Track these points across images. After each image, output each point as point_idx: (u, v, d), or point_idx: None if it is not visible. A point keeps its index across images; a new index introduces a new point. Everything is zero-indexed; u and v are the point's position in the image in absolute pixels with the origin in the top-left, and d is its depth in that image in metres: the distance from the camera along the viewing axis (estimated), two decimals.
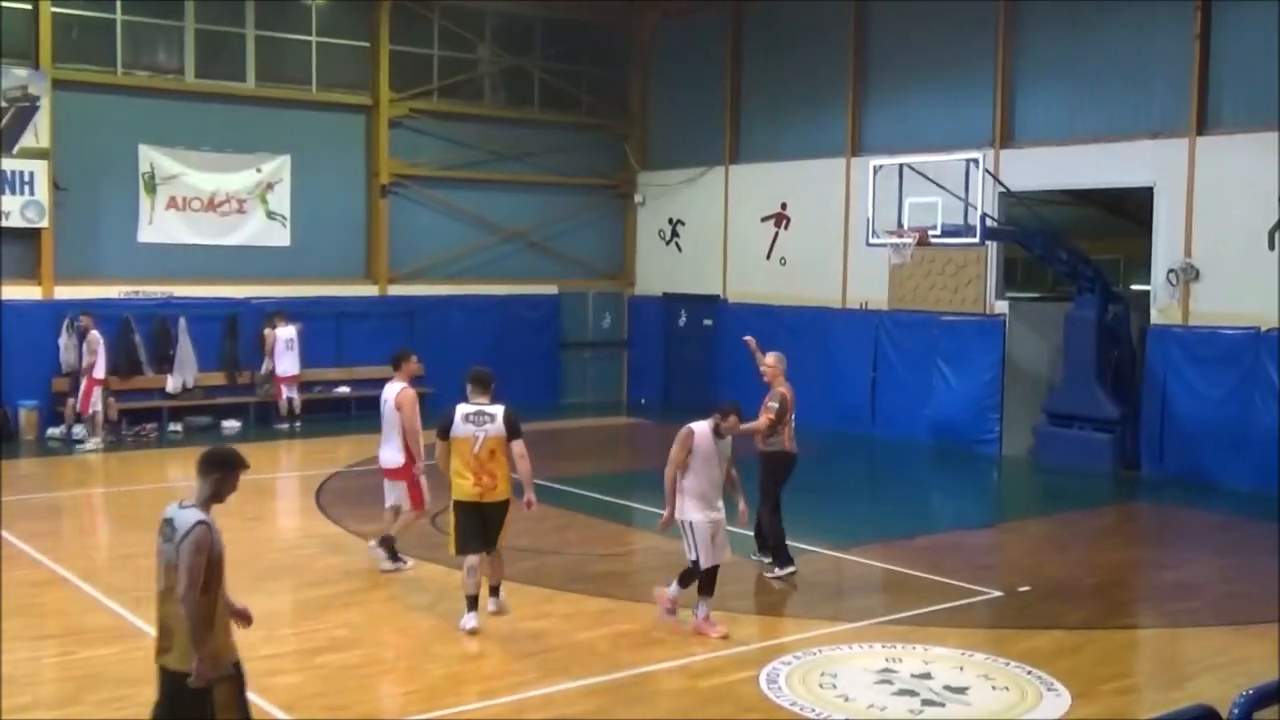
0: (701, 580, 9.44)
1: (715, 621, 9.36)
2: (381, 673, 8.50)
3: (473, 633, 9.22)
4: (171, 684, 5.93)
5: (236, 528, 12.93)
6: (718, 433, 9.49)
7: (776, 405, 11.11)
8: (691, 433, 9.54)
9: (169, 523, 6.04)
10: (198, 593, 5.78)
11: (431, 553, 11.72)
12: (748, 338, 12.44)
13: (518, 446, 9.43)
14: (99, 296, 19.16)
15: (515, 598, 10.46)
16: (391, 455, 11.00)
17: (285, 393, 19.82)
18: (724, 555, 9.56)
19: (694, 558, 9.40)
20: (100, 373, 17.57)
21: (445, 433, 9.42)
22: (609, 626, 9.56)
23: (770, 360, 11.38)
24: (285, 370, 19.81)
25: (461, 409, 9.48)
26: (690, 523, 9.45)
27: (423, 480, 11.01)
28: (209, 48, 20.46)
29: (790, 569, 11.11)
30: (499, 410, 9.46)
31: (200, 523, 5.88)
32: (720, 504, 9.56)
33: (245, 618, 6.10)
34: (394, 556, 11.05)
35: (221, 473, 5.97)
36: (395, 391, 10.92)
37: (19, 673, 8.25)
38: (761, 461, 11.33)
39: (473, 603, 9.34)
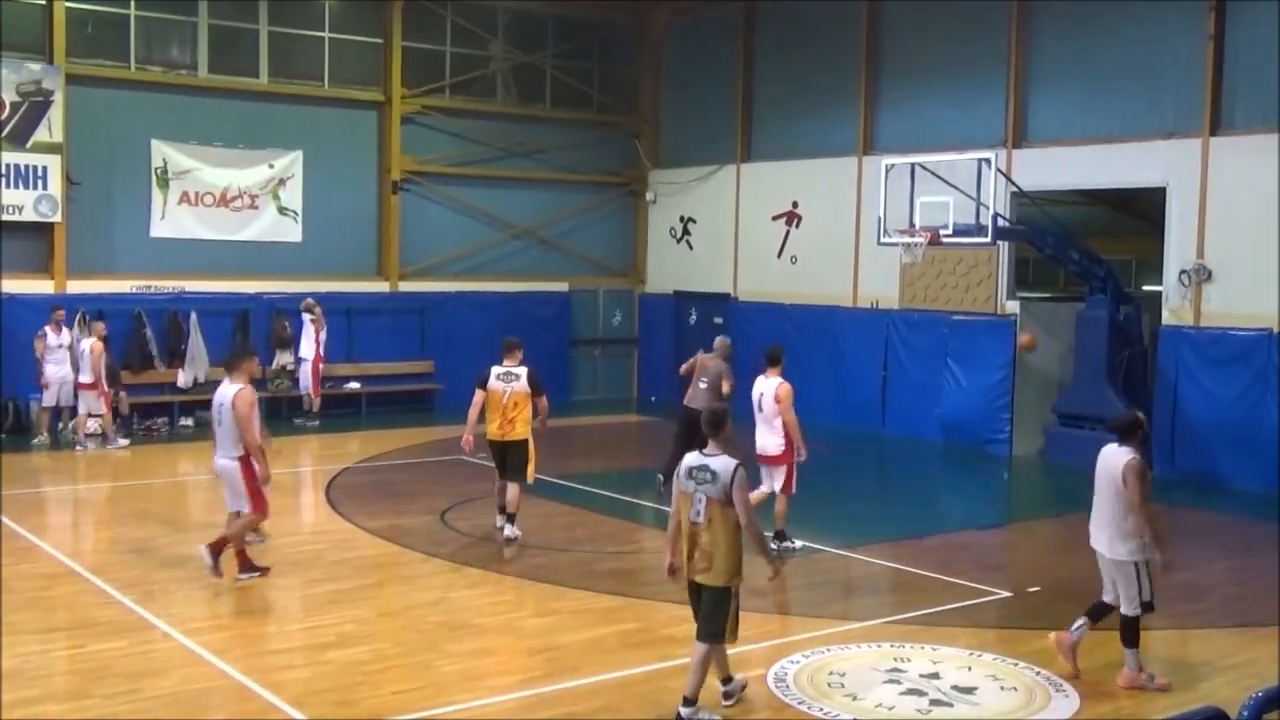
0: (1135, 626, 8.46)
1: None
2: (389, 668, 8.51)
3: (500, 530, 11.99)
4: (711, 595, 7.46)
5: None
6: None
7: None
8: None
9: (703, 469, 7.39)
10: (755, 517, 7.54)
11: (438, 549, 11.76)
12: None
13: (542, 401, 12.10)
14: (111, 291, 19.23)
15: (523, 594, 10.49)
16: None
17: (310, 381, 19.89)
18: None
19: (1148, 598, 8.37)
20: (104, 384, 17.26)
21: (482, 385, 11.99)
22: (617, 624, 9.56)
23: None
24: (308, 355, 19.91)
25: (495, 369, 12.01)
26: (1147, 562, 8.35)
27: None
28: (222, 43, 20.51)
29: None
30: (523, 371, 11.96)
31: (740, 464, 7.41)
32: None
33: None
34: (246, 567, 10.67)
35: (723, 428, 7.52)
36: (234, 392, 10.42)
37: (29, 666, 8.28)
38: None
39: (500, 511, 12.11)
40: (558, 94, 23.94)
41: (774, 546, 11.41)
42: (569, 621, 9.63)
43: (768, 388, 11.92)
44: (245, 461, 10.41)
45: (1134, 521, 8.16)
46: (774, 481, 11.87)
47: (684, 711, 7.45)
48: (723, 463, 7.38)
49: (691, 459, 7.54)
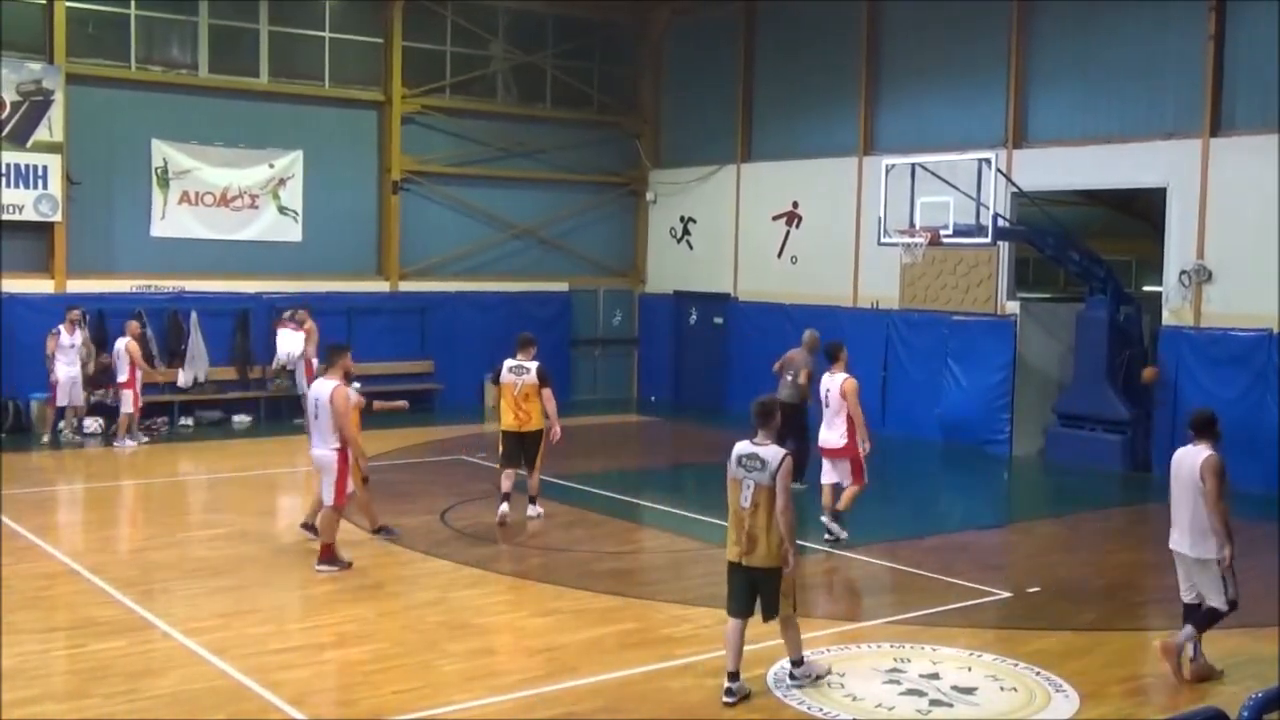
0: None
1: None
2: (389, 668, 8.51)
3: (501, 520, 12.53)
4: (753, 576, 7.83)
5: (246, 522, 13.04)
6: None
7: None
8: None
9: (752, 457, 7.81)
10: (792, 506, 7.81)
11: (439, 549, 11.76)
12: None
13: (547, 392, 12.67)
14: (111, 291, 19.24)
15: (523, 594, 10.49)
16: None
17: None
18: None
19: (1234, 596, 8.44)
20: (137, 383, 17.53)
21: (495, 379, 12.94)
22: (617, 624, 9.55)
23: None
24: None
25: (508, 363, 12.74)
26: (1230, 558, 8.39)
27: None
28: (222, 43, 20.51)
29: None
30: (533, 365, 12.67)
31: (788, 454, 7.83)
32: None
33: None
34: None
35: (772, 418, 7.95)
36: (330, 388, 10.83)
37: (28, 665, 8.28)
38: None
39: (503, 498, 12.63)
40: (558, 94, 23.94)
41: (825, 518, 12.21)
42: (569, 621, 9.62)
43: (833, 383, 12.38)
44: (342, 453, 10.83)
45: (1214, 519, 8.23)
46: (839, 474, 12.29)
47: (797, 671, 8.05)
48: (772, 452, 7.81)
49: (742, 448, 7.93)
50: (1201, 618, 8.46)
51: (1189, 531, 8.40)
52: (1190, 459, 8.40)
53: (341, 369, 11.00)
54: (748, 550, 7.80)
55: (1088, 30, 17.87)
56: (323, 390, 10.83)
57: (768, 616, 7.93)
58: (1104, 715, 7.84)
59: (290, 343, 19.71)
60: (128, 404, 17.47)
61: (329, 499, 10.90)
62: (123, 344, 17.45)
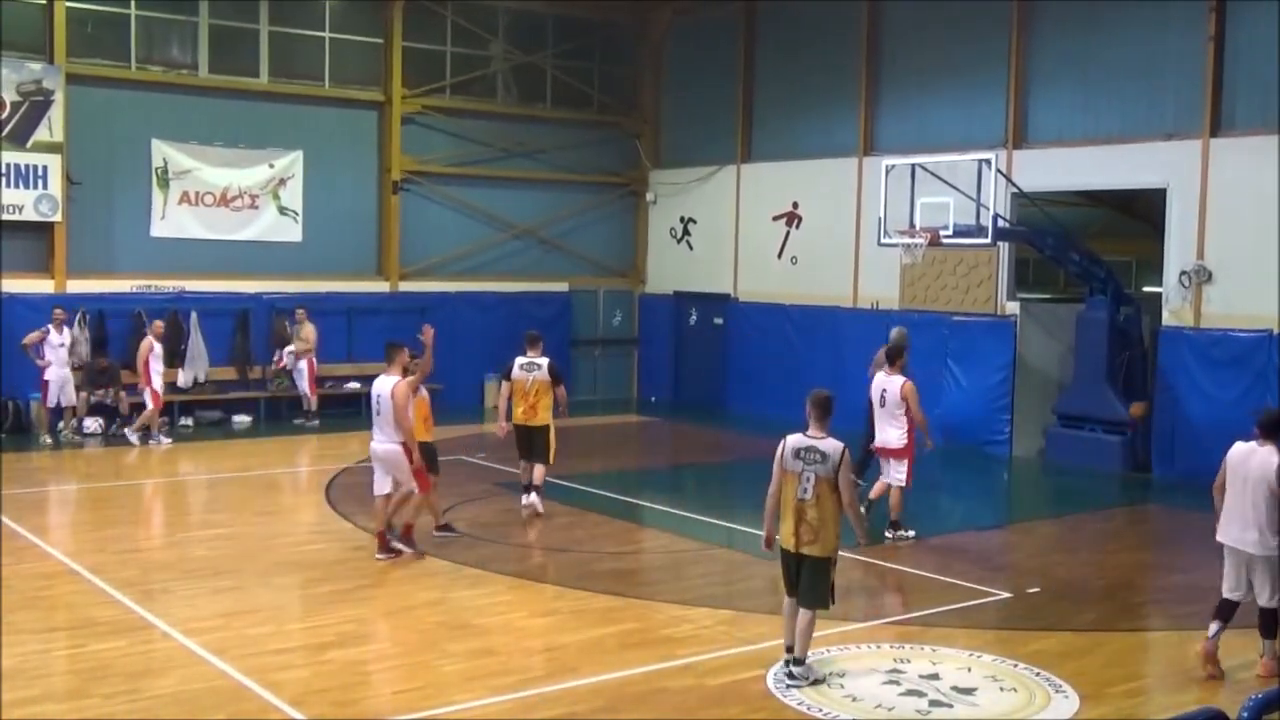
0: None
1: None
2: (389, 668, 8.51)
3: (528, 507, 12.95)
4: (806, 564, 8.10)
5: (246, 522, 13.05)
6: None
7: None
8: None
9: (811, 450, 8.07)
10: (856, 495, 8.22)
11: (439, 549, 11.75)
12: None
13: (560, 389, 13.27)
14: (111, 291, 19.24)
15: (523, 594, 10.49)
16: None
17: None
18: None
19: None
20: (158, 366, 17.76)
21: (507, 375, 13.30)
22: (617, 624, 9.55)
23: None
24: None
25: (519, 360, 13.20)
26: None
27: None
28: (222, 43, 20.51)
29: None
30: (544, 361, 13.23)
31: (846, 447, 8.11)
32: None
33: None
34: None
35: (830, 413, 8.20)
36: (393, 384, 11.23)
37: (28, 665, 8.28)
38: None
39: (525, 489, 13.02)
40: (558, 94, 23.94)
41: (889, 535, 12.39)
42: (569, 621, 9.63)
43: (891, 384, 12.68)
44: (406, 445, 11.15)
45: None
46: (893, 473, 12.60)
47: (797, 670, 8.16)
48: (831, 445, 8.09)
49: (797, 440, 8.17)
50: (1267, 620, 8.47)
51: (1253, 527, 8.41)
52: (1260, 459, 8.42)
53: (400, 365, 11.37)
54: (809, 540, 8.08)
55: (1088, 30, 17.87)
56: (384, 386, 11.19)
57: (807, 604, 8.15)
58: (1104, 715, 7.84)
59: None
60: (150, 401, 17.61)
61: (412, 488, 11.33)
62: (146, 344, 17.62)
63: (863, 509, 12.35)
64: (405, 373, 11.38)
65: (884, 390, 12.72)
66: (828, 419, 8.21)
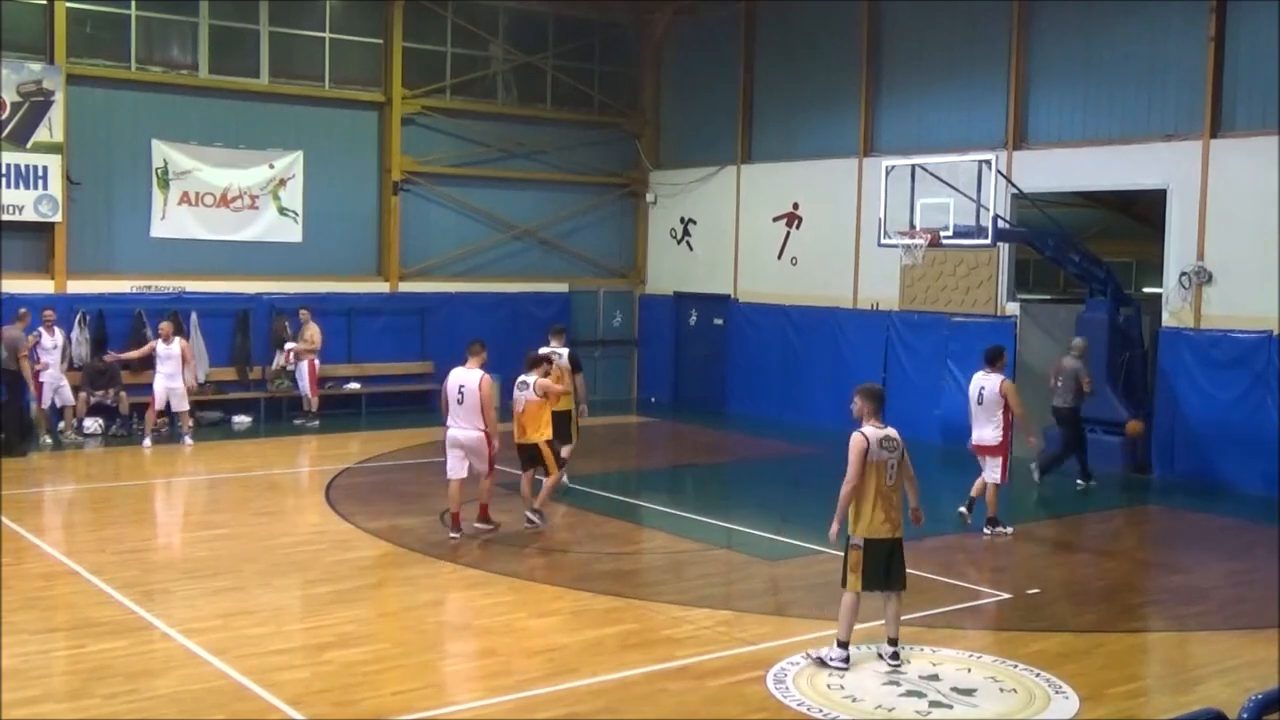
0: None
1: None
2: (388, 669, 8.51)
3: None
4: (892, 546, 8.56)
5: (246, 523, 13.05)
6: None
7: None
8: None
9: (889, 439, 8.58)
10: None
11: (439, 549, 11.76)
12: None
13: (579, 376, 14.50)
14: (111, 291, 19.24)
15: (523, 595, 10.49)
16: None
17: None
18: None
19: None
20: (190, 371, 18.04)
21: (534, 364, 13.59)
22: (617, 625, 9.55)
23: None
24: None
25: (544, 350, 13.89)
26: None
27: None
28: (223, 43, 20.51)
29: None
30: (564, 351, 14.50)
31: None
32: None
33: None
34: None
35: (883, 401, 8.76)
36: (479, 377, 12.18)
37: (29, 666, 8.28)
38: None
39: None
40: (558, 94, 23.94)
41: (987, 531, 12.79)
42: (569, 622, 9.63)
43: (989, 383, 12.96)
44: (487, 433, 12.08)
45: None
46: (990, 470, 12.92)
47: (901, 653, 8.60)
48: (896, 431, 8.70)
49: (877, 432, 8.59)
50: None
51: None
52: None
53: (479, 359, 12.25)
54: (899, 522, 8.61)
55: (1088, 32, 17.87)
56: (470, 378, 12.07)
57: (902, 586, 8.65)
58: (1103, 716, 7.83)
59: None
60: (183, 401, 17.72)
61: (486, 470, 12.25)
62: (177, 346, 17.60)
63: (963, 508, 13.05)
64: (482, 366, 12.27)
65: (982, 388, 12.99)
66: (883, 409, 8.74)
